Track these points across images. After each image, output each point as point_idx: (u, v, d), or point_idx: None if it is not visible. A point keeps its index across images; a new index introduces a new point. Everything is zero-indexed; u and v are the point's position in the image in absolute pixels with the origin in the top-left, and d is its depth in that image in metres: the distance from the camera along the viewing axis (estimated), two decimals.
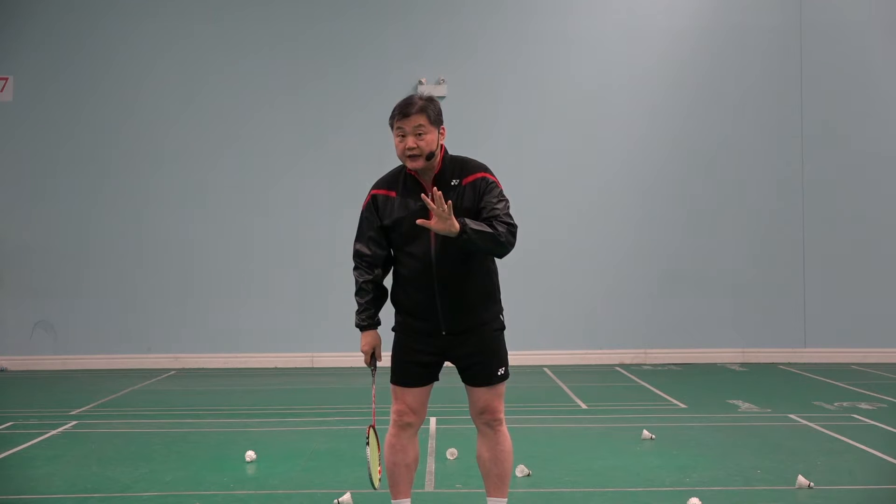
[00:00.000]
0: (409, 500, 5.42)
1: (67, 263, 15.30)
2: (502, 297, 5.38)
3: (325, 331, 15.22)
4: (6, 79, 15.36)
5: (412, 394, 5.37)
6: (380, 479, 5.37)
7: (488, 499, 5.36)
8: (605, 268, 15.37)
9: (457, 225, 4.83)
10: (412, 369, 5.36)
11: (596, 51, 15.58)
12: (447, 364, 5.38)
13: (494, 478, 5.31)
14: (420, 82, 15.28)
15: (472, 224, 4.90)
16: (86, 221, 15.34)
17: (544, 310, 14.82)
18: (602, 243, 15.36)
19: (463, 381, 5.33)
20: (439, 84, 15.22)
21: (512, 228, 5.02)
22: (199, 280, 15.34)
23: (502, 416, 5.29)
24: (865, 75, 15.55)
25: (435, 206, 4.79)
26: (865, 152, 15.51)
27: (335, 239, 15.04)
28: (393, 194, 5.27)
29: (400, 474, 5.38)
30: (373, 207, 5.31)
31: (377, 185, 5.37)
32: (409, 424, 5.38)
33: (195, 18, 15.52)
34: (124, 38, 15.47)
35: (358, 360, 15.00)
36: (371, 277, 5.41)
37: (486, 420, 5.27)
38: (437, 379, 5.42)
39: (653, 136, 15.52)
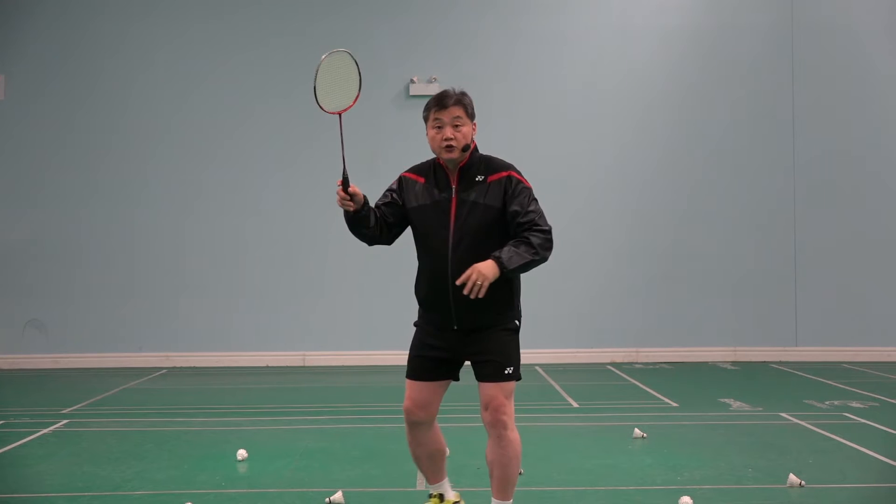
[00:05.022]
0: (443, 482, 5.67)
1: (59, 262, 15.26)
2: None
3: (316, 329, 15.21)
4: None
5: (418, 388, 5.42)
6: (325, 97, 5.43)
7: (492, 500, 5.37)
8: (597, 266, 15.39)
9: (494, 270, 5.01)
10: (421, 363, 5.43)
11: (589, 49, 15.57)
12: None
13: (496, 480, 5.32)
14: (412, 81, 15.28)
15: (507, 260, 5.04)
16: (77, 220, 15.30)
17: (536, 308, 14.79)
18: (594, 242, 15.37)
19: (475, 378, 5.38)
20: (431, 83, 15.21)
21: (548, 235, 5.19)
22: (191, 279, 15.31)
23: (507, 418, 5.25)
24: (858, 74, 15.57)
25: (468, 288, 5.00)
26: (858, 151, 15.53)
27: (327, 238, 15.02)
28: (421, 180, 5.39)
29: (423, 465, 5.61)
30: (397, 186, 5.46)
31: (409, 170, 5.52)
32: (418, 422, 5.45)
33: (188, 18, 15.49)
34: (117, 38, 15.43)
35: (350, 358, 15.09)
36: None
37: (491, 419, 5.24)
38: (451, 379, 5.47)
39: (645, 135, 15.52)
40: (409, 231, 5.55)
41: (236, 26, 15.50)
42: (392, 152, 14.23)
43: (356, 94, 5.41)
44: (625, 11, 15.57)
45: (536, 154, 15.08)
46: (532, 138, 15.32)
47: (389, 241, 5.56)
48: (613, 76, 15.56)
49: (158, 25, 15.45)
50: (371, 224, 5.36)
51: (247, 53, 15.48)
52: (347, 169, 5.28)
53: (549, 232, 5.20)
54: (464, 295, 5.14)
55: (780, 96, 15.52)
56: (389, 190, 5.49)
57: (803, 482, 6.87)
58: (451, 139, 5.24)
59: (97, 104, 15.39)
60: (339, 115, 5.40)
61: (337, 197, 5.16)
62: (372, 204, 5.45)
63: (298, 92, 15.25)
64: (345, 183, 5.21)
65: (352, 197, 5.22)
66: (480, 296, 5.01)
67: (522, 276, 5.34)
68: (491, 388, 5.25)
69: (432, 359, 5.38)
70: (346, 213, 5.30)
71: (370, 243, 5.52)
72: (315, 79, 5.35)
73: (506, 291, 5.25)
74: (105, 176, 15.36)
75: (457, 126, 5.26)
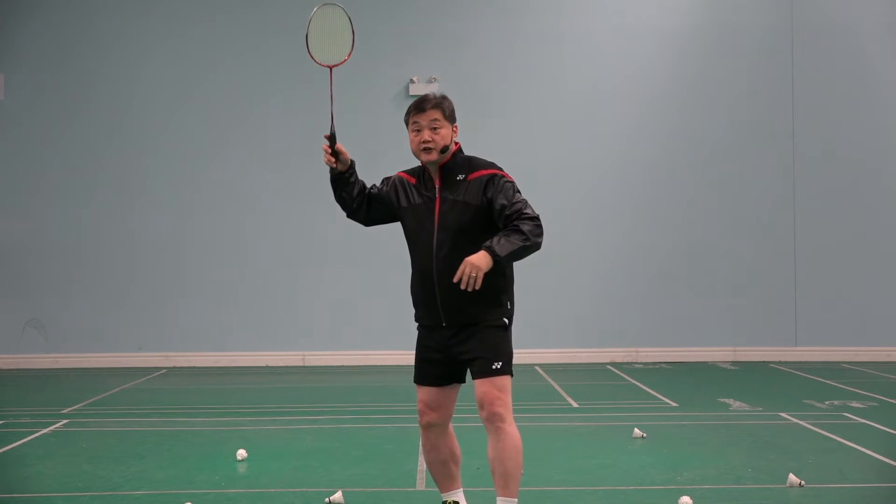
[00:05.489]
0: (457, 491, 5.61)
1: (59, 262, 15.26)
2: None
3: (316, 329, 15.21)
4: None
5: (425, 392, 5.50)
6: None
7: (497, 499, 5.34)
8: (597, 266, 15.38)
9: (487, 260, 5.08)
10: (422, 367, 5.52)
11: (588, 49, 15.57)
12: None
13: (498, 476, 5.29)
14: (411, 81, 15.28)
15: (499, 248, 5.11)
16: (77, 220, 15.30)
17: (535, 308, 14.81)
18: (594, 242, 15.37)
19: (471, 378, 5.41)
20: (430, 83, 15.20)
21: (536, 221, 5.24)
22: (191, 279, 15.31)
23: (503, 412, 5.24)
24: (857, 74, 15.56)
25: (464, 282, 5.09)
26: (857, 151, 15.51)
27: (327, 237, 15.03)
28: (413, 181, 5.53)
29: (436, 472, 5.60)
30: (391, 181, 5.60)
31: (404, 171, 5.65)
32: (430, 424, 5.50)
33: (188, 18, 15.47)
34: (117, 37, 15.43)
35: (350, 358, 15.09)
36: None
37: (486, 415, 5.26)
38: (456, 382, 5.51)
39: (644, 135, 15.51)
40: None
41: (235, 26, 15.49)
42: (392, 151, 14.14)
43: (349, 50, 5.63)
44: (624, 11, 15.56)
45: (536, 154, 15.10)
46: (531, 138, 15.32)
47: (366, 222, 5.70)
48: (613, 76, 15.55)
49: (158, 25, 15.45)
50: (354, 193, 5.55)
51: (246, 53, 15.48)
52: (335, 127, 5.45)
53: (537, 218, 5.25)
54: (450, 292, 5.24)
55: (779, 96, 15.51)
56: (386, 179, 5.63)
57: (803, 482, 6.87)
58: (429, 141, 5.36)
59: (97, 104, 15.39)
60: (331, 69, 5.56)
61: (323, 154, 5.40)
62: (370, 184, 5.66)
63: (298, 92, 15.29)
64: (332, 139, 5.42)
65: (337, 155, 5.44)
66: (477, 287, 5.09)
67: (520, 275, 5.36)
68: (482, 383, 5.28)
69: (432, 362, 5.45)
70: (332, 172, 5.50)
71: (348, 213, 5.65)
72: (307, 27, 5.47)
73: (492, 287, 5.27)
74: (105, 176, 15.36)
75: (434, 129, 5.37)
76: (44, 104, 15.35)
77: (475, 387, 5.31)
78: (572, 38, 15.57)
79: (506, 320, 5.38)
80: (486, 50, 15.52)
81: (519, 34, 15.55)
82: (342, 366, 14.91)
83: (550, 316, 14.93)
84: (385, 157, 14.39)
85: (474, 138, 14.11)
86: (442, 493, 5.64)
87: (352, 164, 5.51)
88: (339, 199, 5.58)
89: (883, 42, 15.59)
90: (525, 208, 5.26)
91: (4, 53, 15.32)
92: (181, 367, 15.03)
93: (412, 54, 15.38)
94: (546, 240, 5.32)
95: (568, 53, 15.57)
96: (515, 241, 5.14)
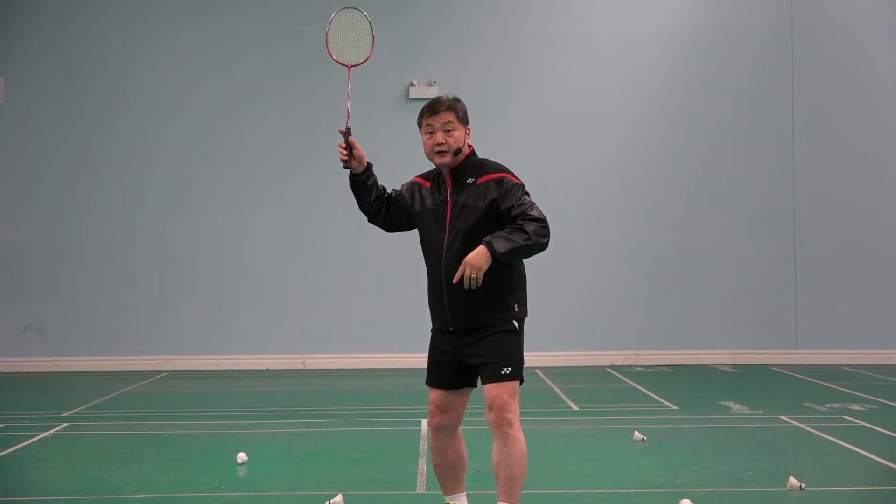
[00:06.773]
0: (461, 494, 5.62)
1: (59, 265, 15.26)
2: None
3: (316, 332, 15.20)
4: None
5: (436, 394, 5.52)
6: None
7: (498, 503, 5.34)
8: (597, 269, 15.38)
9: (486, 257, 5.10)
10: (433, 368, 5.55)
11: (587, 52, 15.57)
12: None
13: (501, 481, 5.28)
14: (412, 83, 15.29)
15: (498, 244, 5.12)
16: (77, 223, 15.30)
17: (536, 310, 14.75)
18: (594, 244, 15.37)
19: (481, 382, 5.43)
20: (430, 86, 15.20)
21: (542, 223, 5.24)
22: (191, 282, 15.30)
23: (511, 417, 5.24)
24: (857, 76, 15.57)
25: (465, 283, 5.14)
26: (857, 153, 15.52)
27: (327, 240, 15.03)
28: (428, 185, 5.56)
29: (442, 474, 5.61)
30: (408, 187, 5.64)
31: (419, 175, 5.69)
32: (440, 426, 5.51)
33: (187, 20, 15.48)
34: (117, 40, 15.43)
35: (349, 361, 15.08)
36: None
37: (493, 419, 5.27)
38: (468, 385, 5.51)
39: (644, 137, 15.51)
40: (412, 233, 5.64)
41: (235, 29, 15.49)
42: (392, 155, 14.19)
43: (368, 53, 5.90)
44: (624, 13, 15.56)
45: (536, 156, 15.09)
46: (531, 140, 15.31)
47: (386, 227, 5.72)
48: (613, 78, 15.55)
49: (158, 28, 15.45)
50: (372, 198, 5.58)
51: (246, 56, 15.47)
52: (351, 124, 5.53)
53: (542, 220, 5.25)
54: (456, 296, 5.27)
55: (779, 98, 15.52)
56: (404, 185, 5.67)
57: (803, 485, 6.88)
58: (443, 143, 5.38)
59: (97, 106, 15.39)
60: (349, 68, 5.72)
61: (339, 152, 5.44)
62: (390, 188, 5.70)
63: (297, 94, 15.31)
64: (346, 133, 5.45)
65: (351, 150, 5.45)
66: (478, 286, 5.13)
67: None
68: (492, 388, 5.28)
69: (443, 364, 5.47)
70: (350, 175, 5.53)
71: (368, 217, 5.68)
72: (328, 27, 5.72)
73: (498, 291, 5.29)
74: (105, 178, 15.36)
75: (448, 131, 5.40)
76: (44, 106, 15.36)
77: (485, 391, 5.31)
78: (572, 40, 15.58)
79: (515, 324, 5.38)
80: (487, 52, 15.52)
81: (519, 36, 15.55)
82: (342, 369, 14.91)
83: (551, 318, 14.91)
84: (385, 160, 14.40)
85: (474, 141, 14.15)
86: (445, 495, 5.65)
87: (369, 167, 5.53)
88: (359, 204, 5.61)
89: (883, 43, 15.59)
90: (531, 210, 5.26)
91: (4, 56, 15.33)
92: (181, 371, 15.03)
93: (412, 57, 15.38)
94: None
95: (568, 55, 15.57)
96: (516, 240, 5.14)
